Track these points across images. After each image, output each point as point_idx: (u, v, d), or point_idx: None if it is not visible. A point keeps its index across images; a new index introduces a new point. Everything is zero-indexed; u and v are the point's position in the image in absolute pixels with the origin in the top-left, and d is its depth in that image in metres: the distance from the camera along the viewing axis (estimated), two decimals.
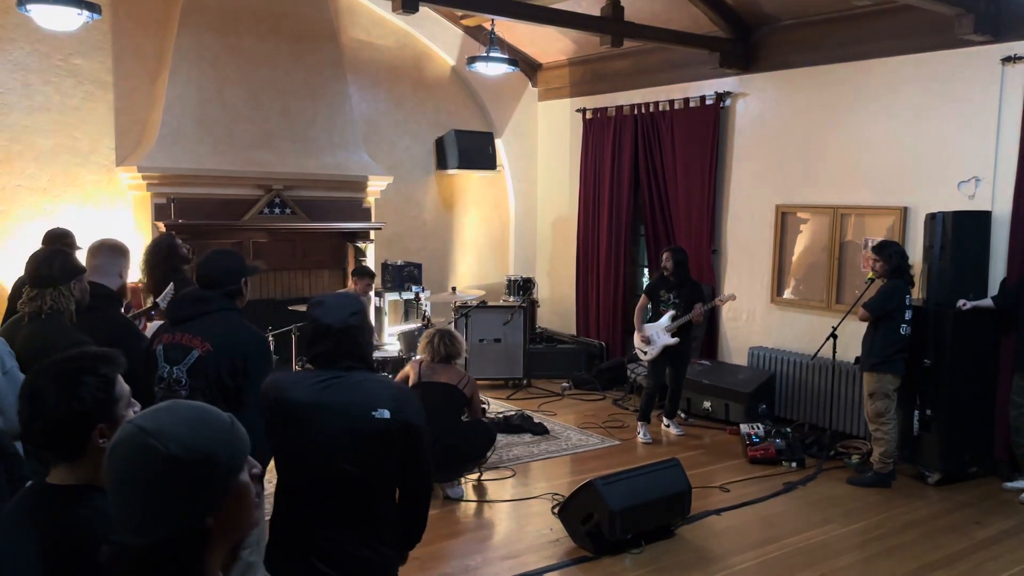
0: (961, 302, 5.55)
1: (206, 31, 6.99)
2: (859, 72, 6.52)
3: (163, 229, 6.66)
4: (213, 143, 7.01)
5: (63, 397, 1.60)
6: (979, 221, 5.75)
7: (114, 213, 6.97)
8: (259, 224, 7.17)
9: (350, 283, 6.92)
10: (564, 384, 8.25)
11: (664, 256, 6.66)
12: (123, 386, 1.70)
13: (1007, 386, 5.54)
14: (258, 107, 7.26)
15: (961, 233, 5.63)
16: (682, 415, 7.09)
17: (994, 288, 5.71)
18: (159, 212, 6.79)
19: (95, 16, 4.86)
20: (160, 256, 4.48)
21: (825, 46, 6.70)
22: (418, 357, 5.41)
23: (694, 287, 6.73)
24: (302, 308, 6.21)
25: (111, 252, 3.67)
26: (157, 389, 2.88)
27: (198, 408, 1.26)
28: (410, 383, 5.20)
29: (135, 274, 6.04)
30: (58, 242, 4.66)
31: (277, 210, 7.23)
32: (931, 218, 5.74)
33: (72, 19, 4.81)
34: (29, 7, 4.68)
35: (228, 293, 2.95)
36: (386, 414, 2.28)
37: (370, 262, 7.89)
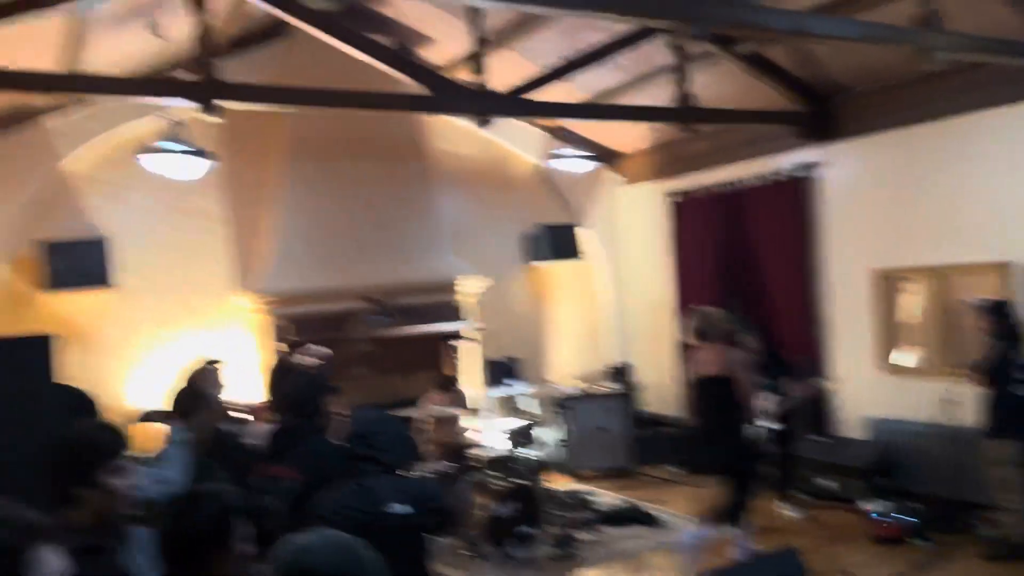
0: None
1: (309, 160, 7.56)
2: (943, 130, 6.41)
3: (284, 349, 7.06)
4: (318, 262, 7.48)
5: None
6: None
7: (232, 336, 7.45)
8: (364, 333, 7.52)
9: (434, 396, 6.99)
10: (673, 470, 8.11)
11: None
12: None
13: None
14: (354, 224, 7.72)
15: None
16: (798, 495, 6.83)
17: None
18: (278, 332, 7.23)
19: (215, 163, 5.38)
20: (278, 376, 4.76)
21: (904, 108, 6.63)
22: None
23: (779, 365, 6.58)
24: (401, 412, 6.41)
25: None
26: None
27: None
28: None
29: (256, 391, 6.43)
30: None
31: (378, 318, 7.57)
32: None
33: (197, 168, 5.34)
34: (149, 161, 5.23)
35: (311, 413, 3.19)
36: (402, 509, 2.50)
37: (469, 360, 8.10)
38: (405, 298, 7.83)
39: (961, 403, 5.75)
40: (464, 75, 7.01)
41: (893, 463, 6.69)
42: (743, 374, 5.21)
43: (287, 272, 7.30)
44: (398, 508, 2.52)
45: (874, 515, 6.03)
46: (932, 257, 6.59)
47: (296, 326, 7.13)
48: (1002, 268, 6.06)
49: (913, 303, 6.83)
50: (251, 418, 5.39)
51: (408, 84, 5.87)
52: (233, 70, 6.71)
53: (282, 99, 5.23)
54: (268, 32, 7.30)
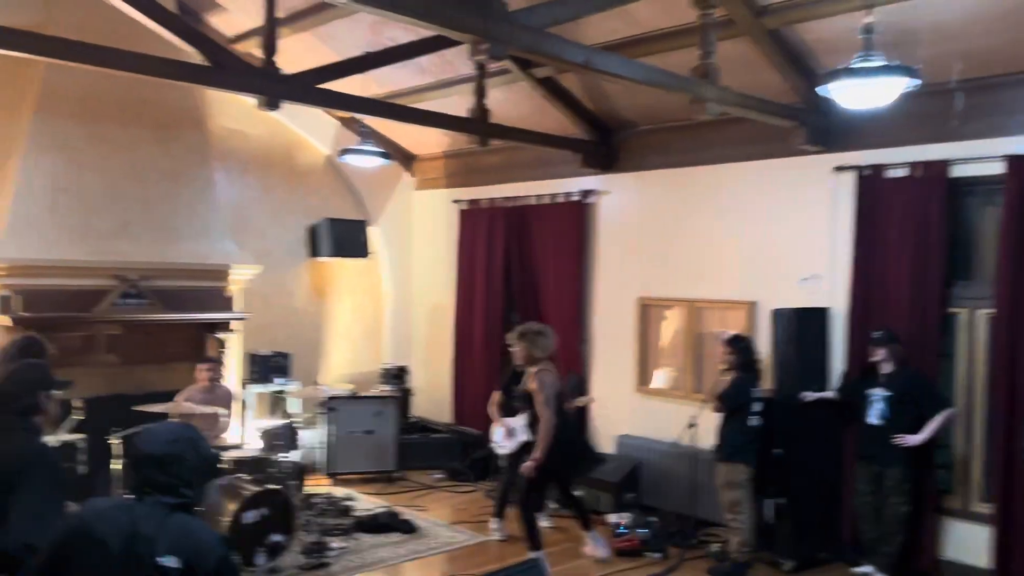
0: (804, 394, 5.87)
1: (64, 118, 6.76)
2: (707, 175, 6.95)
3: (6, 323, 6.27)
4: (66, 232, 6.71)
5: None
6: (818, 317, 6.14)
7: None
8: (112, 316, 6.85)
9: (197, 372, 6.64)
10: (437, 475, 8.13)
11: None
12: None
13: (852, 474, 5.84)
14: (117, 195, 7.02)
15: (802, 328, 5.99)
16: (551, 505, 7.06)
17: (836, 380, 6.07)
18: (2, 305, 6.40)
19: None
20: (20, 358, 4.14)
21: (677, 151, 7.13)
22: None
23: None
24: (153, 407, 5.90)
25: None
26: None
27: None
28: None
29: None
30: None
31: (132, 300, 6.94)
32: (775, 314, 6.08)
33: None
34: None
35: (24, 409, 2.81)
36: (172, 562, 2.10)
37: (233, 353, 7.64)
38: (170, 281, 7.23)
39: (701, 426, 6.21)
40: (255, 50, 6.62)
41: (640, 479, 7.12)
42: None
43: (21, 240, 6.45)
44: (170, 562, 2.08)
45: (621, 528, 6.37)
46: (689, 291, 7.10)
47: (27, 301, 6.35)
48: (750, 307, 6.65)
49: (671, 331, 7.33)
50: None
51: (189, 51, 5.43)
52: None
53: (28, 47, 4.56)
54: None
